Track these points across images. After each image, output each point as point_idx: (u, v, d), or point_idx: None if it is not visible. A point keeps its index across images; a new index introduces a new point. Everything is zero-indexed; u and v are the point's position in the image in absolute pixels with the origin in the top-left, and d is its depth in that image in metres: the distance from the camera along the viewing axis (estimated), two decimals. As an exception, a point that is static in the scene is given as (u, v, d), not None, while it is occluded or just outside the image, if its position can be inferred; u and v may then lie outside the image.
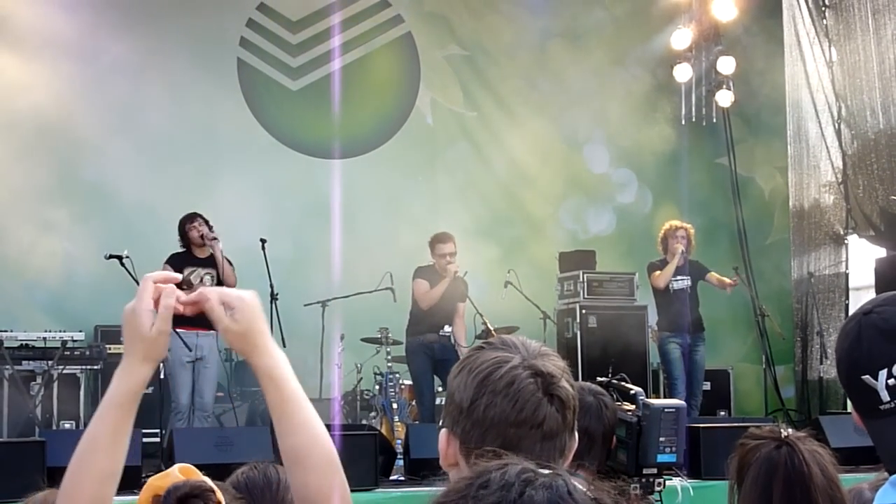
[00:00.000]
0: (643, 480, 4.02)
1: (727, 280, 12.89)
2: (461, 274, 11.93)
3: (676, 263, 12.54)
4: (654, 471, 4.03)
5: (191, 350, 11.00)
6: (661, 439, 3.95)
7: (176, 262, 11.37)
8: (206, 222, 11.54)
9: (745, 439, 3.21)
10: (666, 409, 3.95)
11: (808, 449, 3.10)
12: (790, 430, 3.17)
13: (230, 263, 11.51)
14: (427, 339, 11.82)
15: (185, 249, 11.52)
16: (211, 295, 2.38)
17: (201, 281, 11.41)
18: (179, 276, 2.48)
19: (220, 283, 11.47)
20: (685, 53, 15.20)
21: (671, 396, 12.22)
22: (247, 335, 2.38)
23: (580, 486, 1.56)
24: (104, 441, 2.29)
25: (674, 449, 3.99)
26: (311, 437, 2.39)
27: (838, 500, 3.05)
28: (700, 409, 12.90)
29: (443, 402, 12.23)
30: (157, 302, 2.34)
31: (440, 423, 2.45)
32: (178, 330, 10.86)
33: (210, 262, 11.51)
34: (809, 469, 3.03)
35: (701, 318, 12.83)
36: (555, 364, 2.38)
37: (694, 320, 12.69)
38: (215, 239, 11.37)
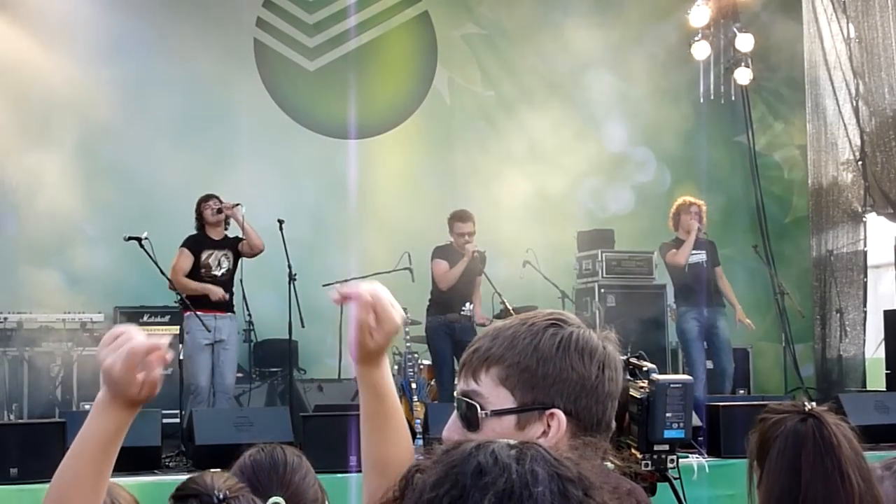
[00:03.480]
0: (654, 457, 4.01)
1: (745, 320, 12.85)
2: (481, 251, 11.95)
3: (693, 239, 12.47)
4: (666, 447, 4.02)
5: (209, 332, 11.03)
6: (668, 415, 3.94)
7: (193, 245, 11.43)
8: (221, 202, 11.57)
9: (766, 414, 3.18)
10: (672, 385, 3.93)
11: (833, 421, 3.08)
12: (813, 404, 3.15)
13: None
14: (448, 319, 11.87)
15: (199, 231, 11.56)
16: (365, 310, 2.25)
17: (219, 264, 11.46)
18: (161, 343, 2.28)
19: (236, 263, 11.55)
20: (703, 31, 15.13)
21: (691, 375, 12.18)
22: (380, 352, 2.31)
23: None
24: (86, 481, 2.20)
25: (682, 425, 3.97)
26: (405, 450, 2.37)
27: (865, 471, 3.03)
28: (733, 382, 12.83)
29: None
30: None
31: (515, 408, 2.34)
32: (197, 312, 10.90)
33: (226, 243, 11.58)
34: (838, 440, 3.01)
35: (719, 292, 12.76)
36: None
37: (711, 294, 12.61)
38: (238, 205, 11.41)
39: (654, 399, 3.92)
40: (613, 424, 2.45)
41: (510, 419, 2.34)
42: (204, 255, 11.43)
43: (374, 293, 2.34)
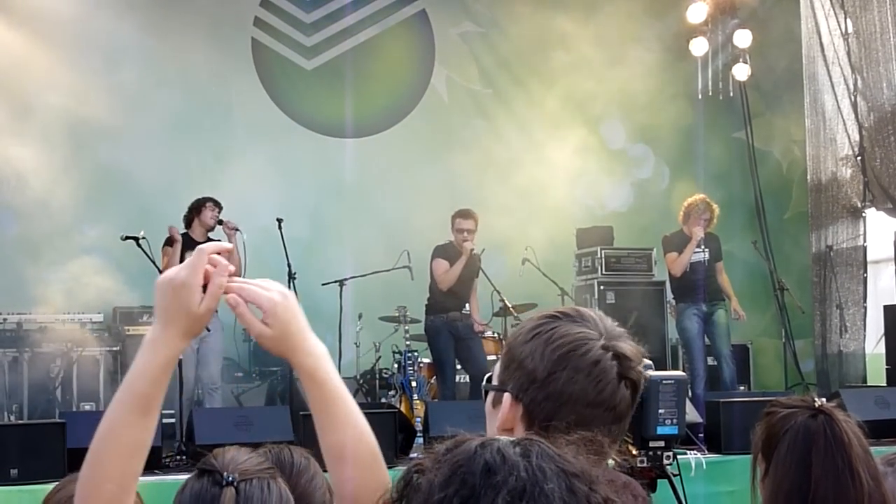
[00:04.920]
0: (650, 453, 4.01)
1: (739, 311, 12.85)
2: (478, 251, 11.96)
3: (693, 249, 12.45)
4: (662, 443, 4.02)
5: (209, 330, 11.04)
6: (661, 411, 3.94)
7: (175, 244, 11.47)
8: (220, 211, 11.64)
9: (774, 408, 3.16)
10: (664, 381, 3.93)
11: (843, 418, 3.07)
12: (822, 400, 3.13)
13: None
14: (450, 318, 11.86)
15: (184, 232, 11.58)
16: (240, 301, 2.26)
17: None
18: (231, 246, 2.37)
19: None
20: (701, 27, 15.12)
21: (690, 372, 12.21)
22: (283, 338, 2.29)
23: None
24: (134, 413, 2.21)
25: (674, 421, 3.97)
26: (356, 434, 2.33)
27: (873, 469, 3.03)
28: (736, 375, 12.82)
29: (464, 380, 12.30)
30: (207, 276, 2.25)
31: (492, 385, 2.42)
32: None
33: None
34: (849, 438, 3.00)
35: (720, 290, 12.76)
36: (632, 346, 2.41)
37: (712, 290, 12.61)
38: (238, 230, 11.43)
39: (647, 395, 3.93)
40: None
41: (490, 395, 2.42)
42: (187, 255, 11.44)
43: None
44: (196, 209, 11.67)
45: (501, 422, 2.33)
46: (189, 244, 11.53)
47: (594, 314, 2.43)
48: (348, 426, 2.33)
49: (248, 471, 2.67)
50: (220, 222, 11.55)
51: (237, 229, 11.45)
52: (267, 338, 2.28)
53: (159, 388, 2.24)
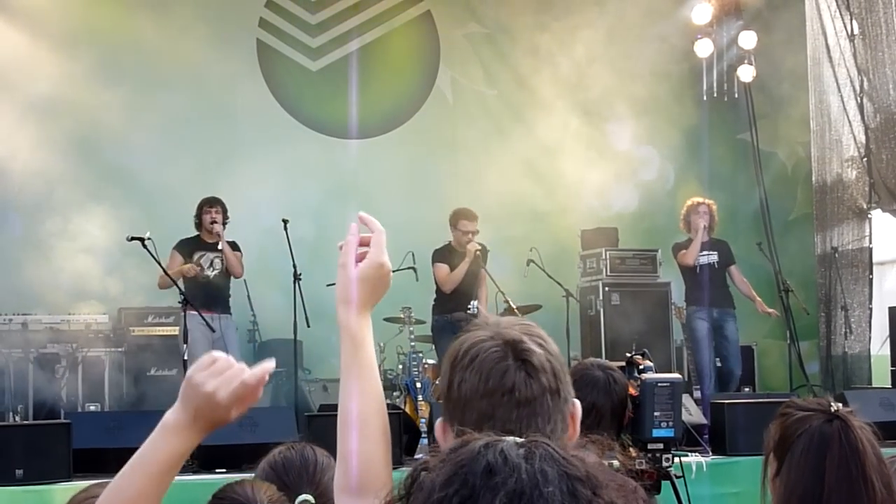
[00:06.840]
0: (649, 455, 4.02)
1: (768, 309, 13.03)
2: (479, 248, 11.98)
3: (700, 239, 12.56)
4: (661, 445, 4.03)
5: (213, 331, 11.12)
6: (656, 414, 3.96)
7: (186, 246, 11.67)
8: (225, 212, 11.78)
9: (789, 409, 3.15)
10: (660, 384, 3.96)
11: (857, 424, 3.07)
12: (839, 405, 3.12)
13: (238, 249, 11.96)
14: (455, 318, 11.88)
15: (195, 234, 11.74)
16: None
17: (211, 265, 11.68)
18: (268, 370, 2.32)
19: (227, 269, 11.76)
20: (706, 28, 15.12)
21: (697, 373, 12.23)
22: (376, 295, 2.56)
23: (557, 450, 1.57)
24: (145, 501, 2.20)
25: (670, 423, 3.98)
26: (375, 406, 2.47)
27: (886, 477, 3.02)
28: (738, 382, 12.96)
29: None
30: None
31: None
32: (203, 314, 10.93)
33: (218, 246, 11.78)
34: (863, 445, 3.00)
35: (730, 294, 12.81)
36: (523, 331, 2.34)
37: (721, 295, 12.67)
38: (218, 235, 11.64)
39: (643, 398, 3.95)
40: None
41: None
42: (196, 256, 11.63)
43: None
44: (199, 215, 11.85)
45: (442, 446, 2.34)
46: (202, 246, 11.70)
47: (494, 317, 2.44)
48: (371, 398, 2.47)
49: (273, 498, 2.70)
50: (214, 222, 11.76)
51: (219, 234, 11.71)
52: (374, 282, 2.62)
53: (171, 475, 2.25)
